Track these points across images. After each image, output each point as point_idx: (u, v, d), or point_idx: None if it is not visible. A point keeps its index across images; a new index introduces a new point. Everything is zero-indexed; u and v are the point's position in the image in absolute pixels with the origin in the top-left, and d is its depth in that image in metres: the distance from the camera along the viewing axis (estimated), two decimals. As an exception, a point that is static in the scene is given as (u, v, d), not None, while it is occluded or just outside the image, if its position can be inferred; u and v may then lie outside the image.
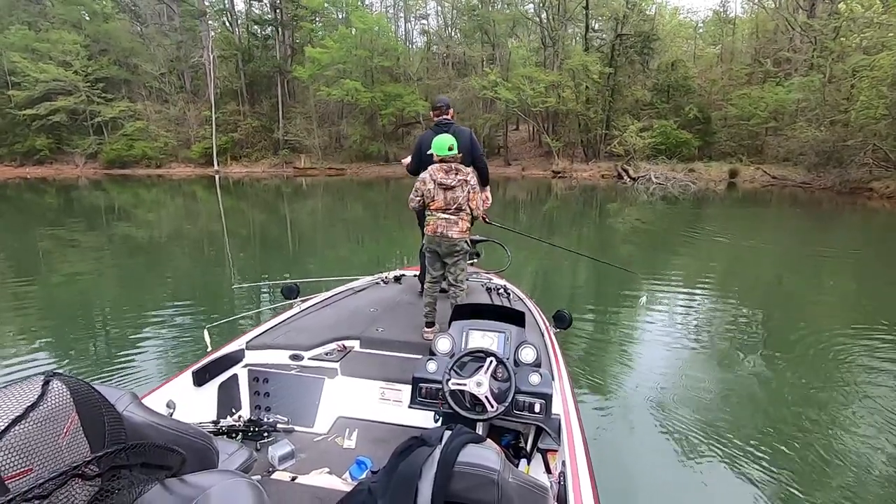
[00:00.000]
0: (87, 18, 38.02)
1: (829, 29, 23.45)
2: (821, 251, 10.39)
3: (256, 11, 41.35)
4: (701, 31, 40.14)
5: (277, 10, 39.47)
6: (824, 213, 16.58)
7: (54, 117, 34.52)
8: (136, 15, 40.09)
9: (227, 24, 41.62)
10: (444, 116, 3.97)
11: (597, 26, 34.58)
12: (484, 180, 3.98)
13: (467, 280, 3.87)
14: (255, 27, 41.41)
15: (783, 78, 26.61)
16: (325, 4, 39.32)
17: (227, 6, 41.01)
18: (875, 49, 18.62)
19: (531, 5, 36.70)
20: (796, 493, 3.05)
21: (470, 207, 3.39)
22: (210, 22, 39.66)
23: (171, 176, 33.91)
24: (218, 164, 35.92)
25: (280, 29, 40.23)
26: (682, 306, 6.85)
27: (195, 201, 22.49)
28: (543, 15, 34.57)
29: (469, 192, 3.35)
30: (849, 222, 15.10)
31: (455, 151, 3.41)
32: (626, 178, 26.70)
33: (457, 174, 3.34)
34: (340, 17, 40.97)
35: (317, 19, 40.68)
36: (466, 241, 3.41)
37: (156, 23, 39.79)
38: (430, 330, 3.39)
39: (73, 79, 34.30)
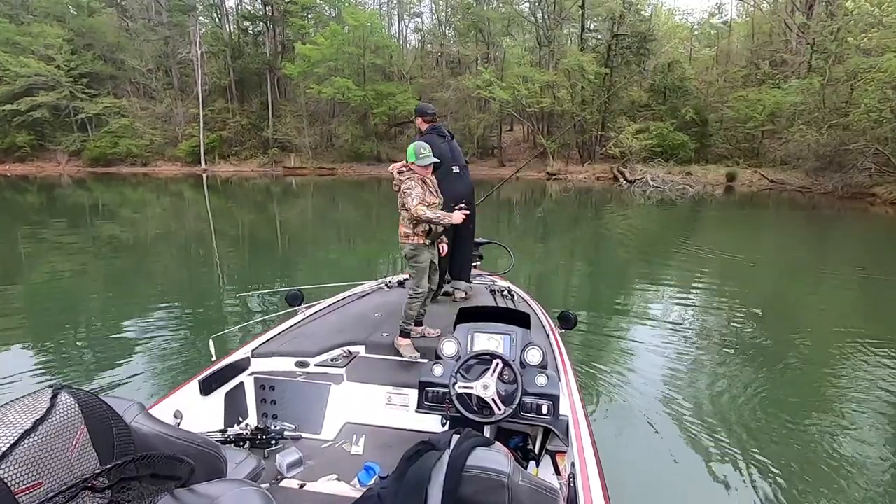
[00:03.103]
0: (74, 12, 37.09)
1: (827, 31, 23.22)
2: (827, 266, 9.99)
3: (247, 7, 40.67)
4: (696, 32, 40.00)
5: (268, 6, 38.78)
6: (826, 221, 16.26)
7: (36, 113, 33.68)
8: (123, 9, 39.19)
9: (216, 19, 40.86)
10: (435, 122, 4.04)
11: (592, 26, 34.37)
12: None
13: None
14: (246, 23, 40.70)
15: (781, 80, 26.37)
16: (317, 0, 38.67)
17: (216, 1, 40.22)
18: (877, 51, 18.33)
19: (527, 4, 36.40)
20: (802, 493, 3.07)
21: (407, 209, 3.17)
22: (199, 17, 38.88)
23: (157, 174, 33.18)
24: (205, 163, 35.23)
25: (270, 25, 39.53)
26: (685, 311, 6.81)
27: (183, 201, 21.96)
28: (539, 14, 34.23)
29: (401, 195, 3.18)
30: (853, 231, 14.77)
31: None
32: (622, 180, 26.36)
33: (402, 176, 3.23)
34: (332, 13, 40.35)
35: (308, 16, 40.05)
36: (410, 246, 3.22)
37: (143, 17, 38.91)
38: (418, 329, 3.41)
39: (56, 74, 33.51)
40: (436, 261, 3.38)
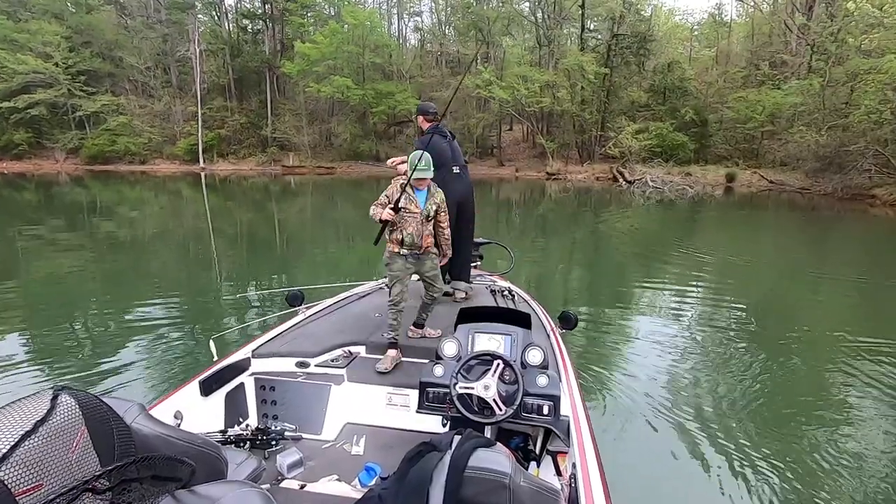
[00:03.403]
0: (72, 10, 36.91)
1: (827, 32, 23.18)
2: (826, 268, 9.91)
3: (246, 5, 40.53)
4: (696, 33, 39.96)
5: (267, 5, 38.67)
6: (825, 223, 16.17)
7: (33, 110, 33.47)
8: (122, 6, 38.99)
9: (216, 17, 40.71)
10: (436, 122, 4.01)
11: (592, 26, 34.31)
12: None
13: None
14: (245, 21, 40.55)
15: (781, 81, 26.33)
16: (317, -2, 38.64)
17: (215, -1, 40.10)
18: (878, 52, 18.29)
19: (526, 4, 36.28)
20: (803, 493, 3.07)
21: None
22: (198, 15, 38.75)
23: (155, 173, 33.03)
24: (204, 161, 35.11)
25: (270, 23, 39.40)
26: (686, 312, 6.77)
27: (181, 199, 21.84)
28: (539, 14, 34.17)
29: None
30: (853, 232, 14.70)
31: None
32: (621, 180, 26.31)
33: None
34: (331, 12, 40.22)
35: (307, 14, 39.93)
36: (387, 252, 3.29)
37: (141, 15, 38.67)
38: (419, 331, 3.45)
39: (54, 71, 33.31)
40: (429, 271, 3.28)
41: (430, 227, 3.24)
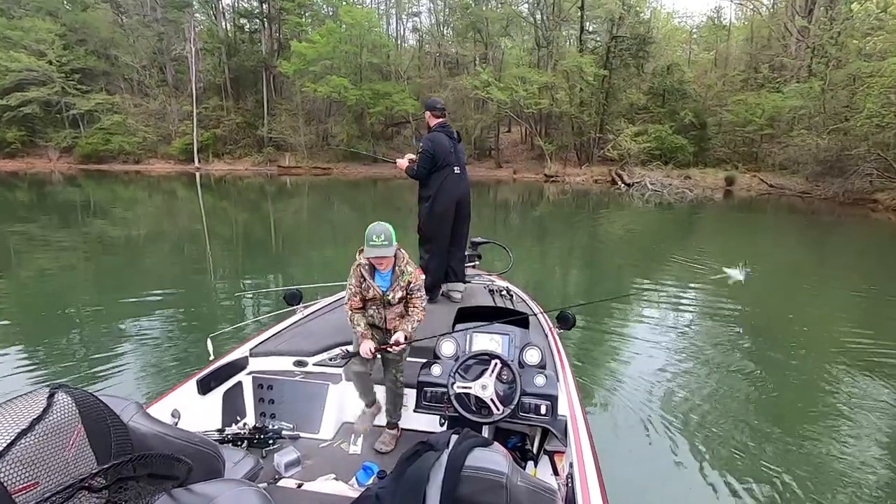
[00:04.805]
0: (67, 7, 36.56)
1: (827, 35, 23.10)
2: (825, 273, 9.78)
3: (244, 4, 40.27)
4: (696, 36, 39.93)
5: (264, 4, 38.43)
6: (825, 227, 16.03)
7: (26, 108, 33.13)
8: (117, 4, 38.62)
9: (212, 16, 40.42)
10: (444, 119, 3.99)
11: (591, 28, 34.21)
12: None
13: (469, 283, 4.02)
14: (242, 20, 40.33)
15: (781, 84, 26.25)
16: (313, -4, 38.44)
17: (212, -3, 39.82)
18: (879, 55, 18.19)
19: (525, 5, 36.28)
20: (797, 493, 3.08)
21: None
22: (194, 14, 38.49)
23: (149, 172, 32.72)
24: (199, 161, 34.81)
25: (267, 22, 39.15)
26: (683, 313, 6.79)
27: (176, 199, 21.66)
28: (538, 15, 34.09)
29: None
30: (855, 236, 14.57)
31: None
32: (620, 183, 26.14)
33: None
34: (329, 11, 40.01)
35: (305, 13, 39.69)
36: None
37: (137, 13, 38.35)
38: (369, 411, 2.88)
39: (48, 69, 32.94)
40: (391, 353, 2.72)
41: (399, 309, 2.72)
